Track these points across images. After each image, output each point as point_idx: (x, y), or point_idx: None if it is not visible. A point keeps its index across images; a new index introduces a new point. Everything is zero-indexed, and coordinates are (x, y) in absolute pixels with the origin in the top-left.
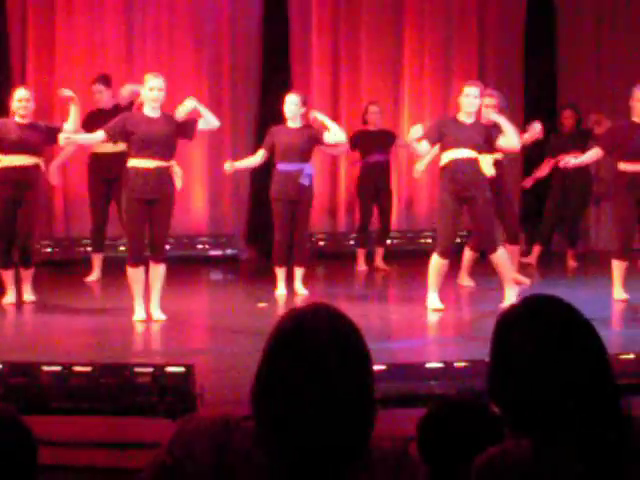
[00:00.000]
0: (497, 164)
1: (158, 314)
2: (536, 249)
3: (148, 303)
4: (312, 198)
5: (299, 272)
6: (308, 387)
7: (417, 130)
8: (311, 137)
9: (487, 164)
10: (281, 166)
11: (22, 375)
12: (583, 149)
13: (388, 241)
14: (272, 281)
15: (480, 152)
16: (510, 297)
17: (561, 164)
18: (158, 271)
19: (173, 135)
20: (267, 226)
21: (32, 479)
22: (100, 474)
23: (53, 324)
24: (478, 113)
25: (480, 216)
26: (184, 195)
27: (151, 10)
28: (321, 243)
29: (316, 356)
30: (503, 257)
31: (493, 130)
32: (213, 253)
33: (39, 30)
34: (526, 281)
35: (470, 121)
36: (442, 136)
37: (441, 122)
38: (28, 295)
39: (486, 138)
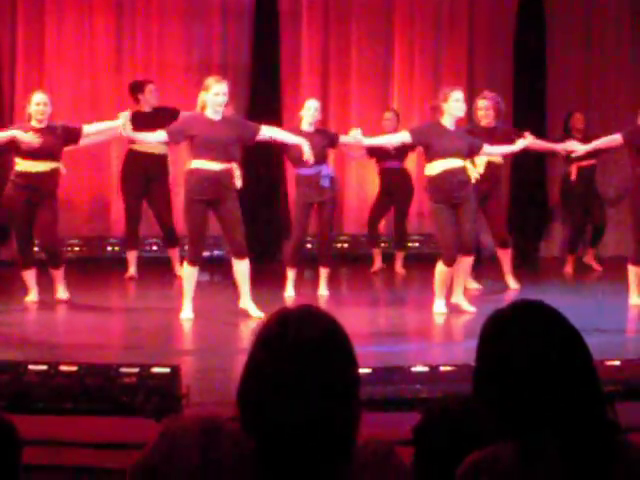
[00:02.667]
0: (492, 167)
1: (254, 310)
2: (570, 258)
3: (196, 302)
4: (335, 199)
5: (324, 273)
6: (293, 388)
7: (404, 134)
8: (326, 140)
9: (471, 169)
10: (303, 170)
11: (7, 373)
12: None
13: (408, 244)
14: (258, 283)
15: (465, 158)
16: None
17: (574, 154)
18: (244, 266)
19: (234, 138)
20: (254, 227)
21: (16, 478)
22: (85, 474)
23: (75, 322)
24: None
25: (465, 220)
26: (172, 196)
27: (141, 11)
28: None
29: (301, 358)
30: (466, 264)
31: (481, 133)
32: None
33: (28, 32)
34: (470, 309)
35: (453, 127)
36: (427, 143)
37: (429, 128)
38: (61, 294)
39: (470, 143)
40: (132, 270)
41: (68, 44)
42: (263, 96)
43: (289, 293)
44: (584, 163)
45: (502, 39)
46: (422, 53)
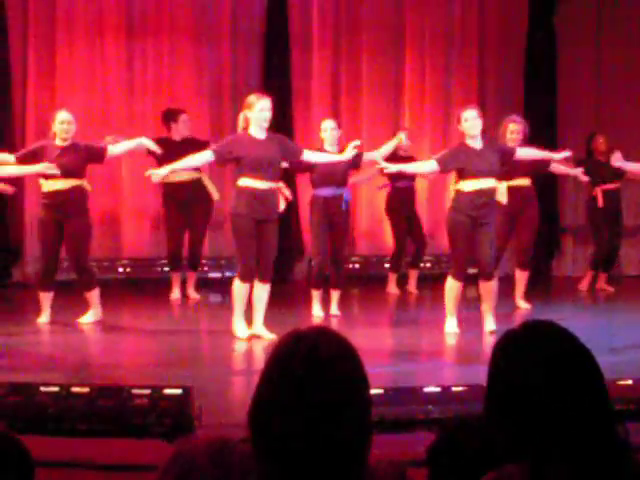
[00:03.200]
0: (520, 190)
1: (265, 332)
2: (589, 274)
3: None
4: (348, 221)
5: (335, 295)
6: (304, 410)
7: (432, 164)
8: (350, 162)
9: (501, 192)
10: (321, 191)
11: (20, 395)
12: (618, 175)
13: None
14: (271, 303)
15: (498, 177)
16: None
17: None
18: (265, 291)
19: (280, 157)
20: None
21: None
22: None
23: (90, 343)
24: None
25: (484, 242)
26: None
27: (152, 30)
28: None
29: (313, 379)
30: (489, 289)
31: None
32: (212, 275)
33: (40, 49)
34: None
35: (480, 146)
36: (459, 169)
37: (456, 154)
38: (90, 317)
39: (501, 154)
40: (176, 293)
41: (79, 64)
42: (274, 117)
43: (317, 313)
44: (609, 186)
45: (513, 56)
46: (433, 70)
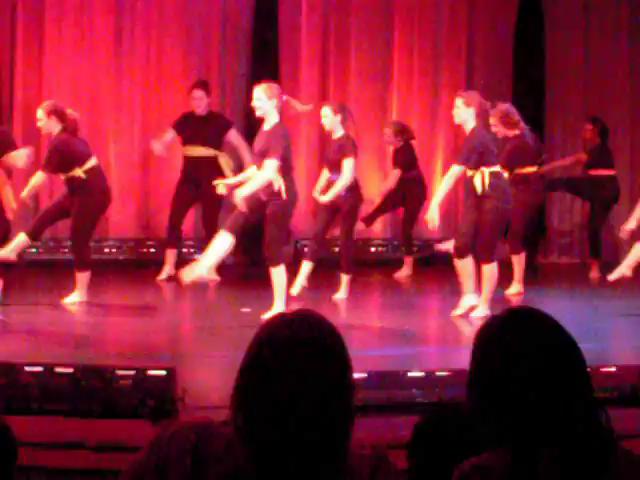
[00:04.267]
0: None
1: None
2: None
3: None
4: (353, 205)
5: (344, 278)
6: (287, 392)
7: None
8: (340, 149)
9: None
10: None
11: (3, 375)
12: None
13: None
14: (258, 286)
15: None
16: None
17: None
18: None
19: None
20: (256, 231)
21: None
22: (79, 476)
23: (76, 323)
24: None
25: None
26: (170, 197)
27: (140, 11)
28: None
29: (297, 362)
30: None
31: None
32: (199, 257)
33: (28, 29)
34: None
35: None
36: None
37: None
38: (74, 297)
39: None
40: (167, 270)
41: (67, 47)
42: None
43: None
44: (597, 172)
45: (502, 41)
46: (421, 56)
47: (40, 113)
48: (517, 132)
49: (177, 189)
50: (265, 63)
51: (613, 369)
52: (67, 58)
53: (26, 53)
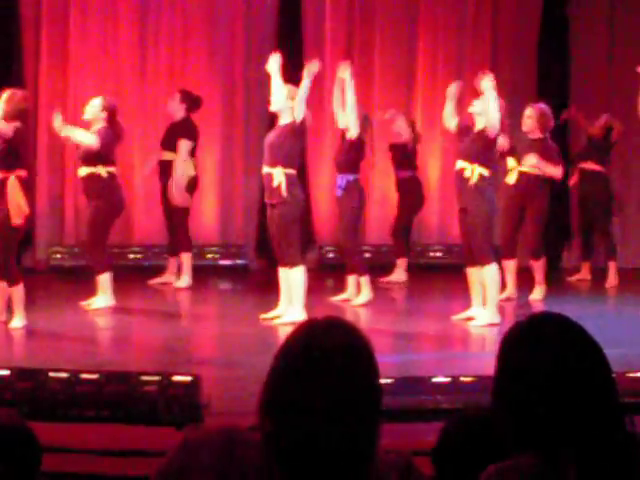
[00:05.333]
0: (527, 177)
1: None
2: (585, 264)
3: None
4: (348, 208)
5: (350, 280)
6: (315, 400)
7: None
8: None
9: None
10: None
11: (29, 381)
12: (603, 156)
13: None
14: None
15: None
16: (482, 317)
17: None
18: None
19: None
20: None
21: None
22: None
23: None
24: None
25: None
26: (195, 204)
27: (165, 16)
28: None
29: (327, 370)
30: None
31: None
32: (223, 263)
33: (52, 36)
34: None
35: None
36: None
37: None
38: (98, 302)
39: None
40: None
41: (92, 51)
42: None
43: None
44: (586, 166)
45: (526, 45)
46: (445, 59)
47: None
48: (547, 135)
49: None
50: (289, 70)
51: (639, 374)
52: (92, 63)
53: (51, 58)
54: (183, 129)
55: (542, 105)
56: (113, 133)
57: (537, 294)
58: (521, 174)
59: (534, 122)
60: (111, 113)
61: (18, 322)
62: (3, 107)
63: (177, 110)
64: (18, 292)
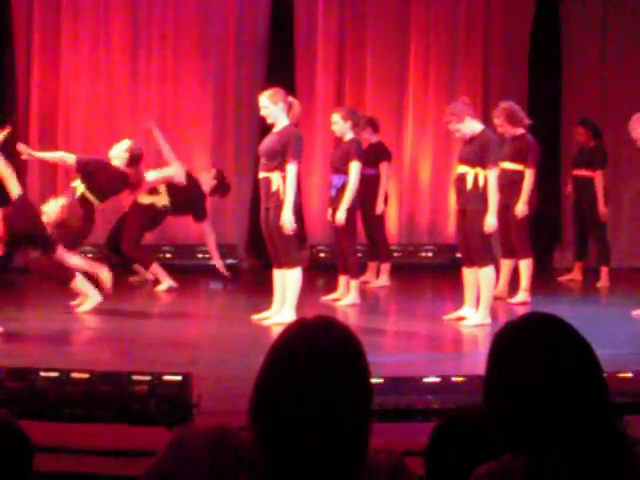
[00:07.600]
0: (510, 176)
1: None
2: (577, 265)
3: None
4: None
5: (342, 280)
6: (305, 398)
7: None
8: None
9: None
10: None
11: (20, 380)
12: (594, 165)
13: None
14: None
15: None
16: (473, 317)
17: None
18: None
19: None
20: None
21: None
22: None
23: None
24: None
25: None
26: None
27: (157, 17)
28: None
29: (315, 368)
30: (479, 277)
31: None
32: (213, 262)
33: (44, 34)
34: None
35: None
36: None
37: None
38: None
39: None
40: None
41: (84, 53)
42: None
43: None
44: (577, 173)
45: (517, 49)
46: (437, 62)
47: None
48: (522, 131)
49: None
50: (281, 70)
51: (630, 375)
52: (84, 64)
53: (43, 59)
54: None
55: (506, 104)
56: (117, 176)
57: (519, 298)
58: (503, 171)
59: (503, 121)
60: (133, 158)
61: None
62: None
63: None
64: None
